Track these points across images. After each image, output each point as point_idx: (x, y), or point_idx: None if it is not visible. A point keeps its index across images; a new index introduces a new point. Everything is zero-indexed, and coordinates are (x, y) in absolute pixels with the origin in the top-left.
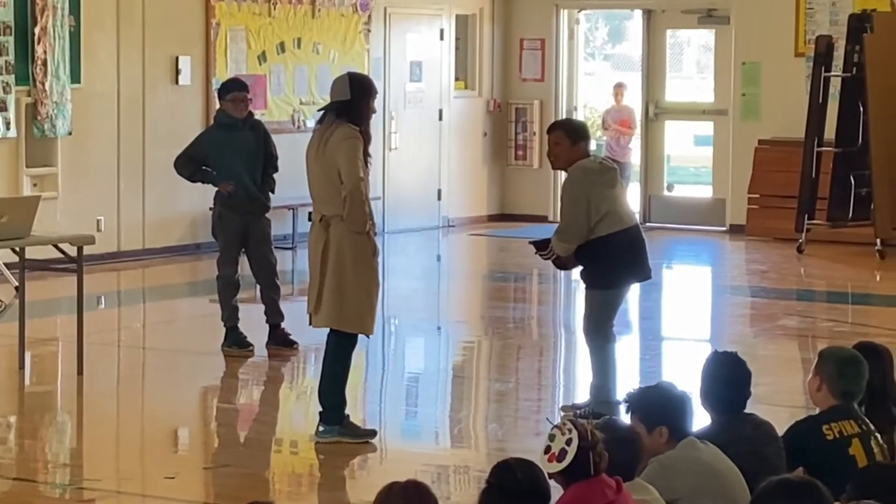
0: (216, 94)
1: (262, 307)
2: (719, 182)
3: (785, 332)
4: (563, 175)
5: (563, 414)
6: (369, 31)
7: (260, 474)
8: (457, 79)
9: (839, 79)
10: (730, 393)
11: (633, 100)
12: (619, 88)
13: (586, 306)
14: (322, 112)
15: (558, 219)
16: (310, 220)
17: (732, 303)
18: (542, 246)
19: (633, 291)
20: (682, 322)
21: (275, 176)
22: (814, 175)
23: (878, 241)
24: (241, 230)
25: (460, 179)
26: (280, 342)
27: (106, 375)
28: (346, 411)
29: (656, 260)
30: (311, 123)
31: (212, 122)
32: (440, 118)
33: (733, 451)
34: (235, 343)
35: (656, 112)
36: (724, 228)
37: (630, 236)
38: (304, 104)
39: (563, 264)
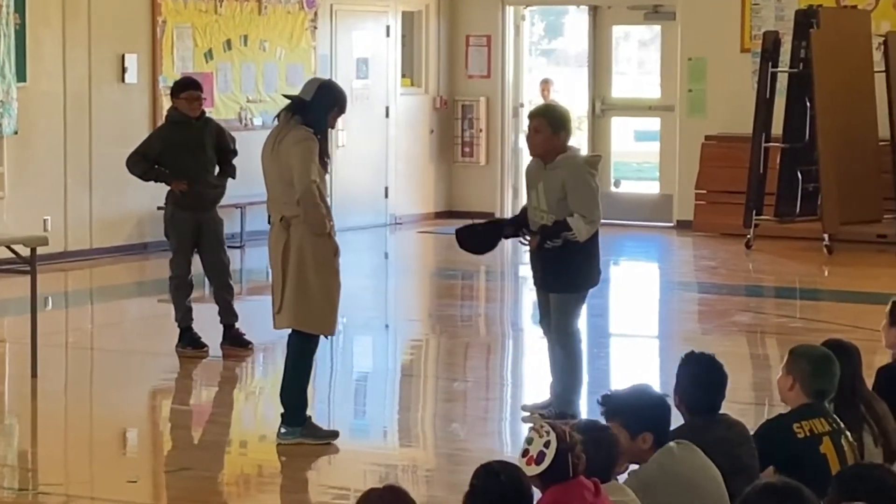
0: (169, 93)
1: (215, 307)
2: (666, 178)
3: (738, 328)
4: (505, 170)
5: (526, 415)
6: (315, 28)
7: (221, 477)
8: (403, 76)
9: (786, 74)
10: (705, 395)
11: (567, 96)
12: (545, 84)
13: (557, 309)
14: (281, 109)
15: (544, 207)
16: (269, 222)
17: (683, 299)
18: (552, 234)
19: None
20: (634, 319)
21: (235, 163)
22: (761, 171)
23: (826, 236)
24: (194, 229)
25: (407, 177)
26: (234, 342)
27: (57, 378)
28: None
29: (605, 257)
30: (258, 121)
31: (163, 120)
32: (387, 115)
33: (707, 452)
34: (190, 343)
35: (602, 109)
36: (672, 224)
37: (597, 237)
38: (252, 102)
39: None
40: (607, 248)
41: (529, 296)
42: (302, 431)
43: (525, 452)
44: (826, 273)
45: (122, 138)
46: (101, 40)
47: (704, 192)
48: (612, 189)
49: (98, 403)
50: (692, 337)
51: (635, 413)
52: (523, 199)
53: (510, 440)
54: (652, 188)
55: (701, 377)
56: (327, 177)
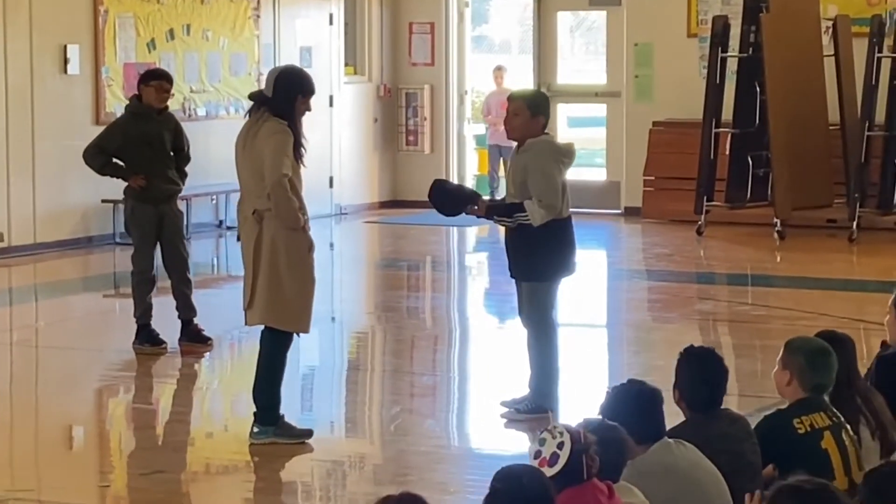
0: (137, 80)
1: (168, 300)
2: (613, 164)
3: (702, 316)
4: (450, 158)
5: (505, 410)
6: (258, 16)
7: (197, 479)
8: (346, 64)
9: (735, 59)
10: (705, 390)
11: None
12: (498, 72)
13: (527, 300)
14: (252, 103)
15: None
16: (238, 217)
17: (643, 287)
18: (501, 212)
19: None
20: (596, 309)
21: (186, 169)
22: (712, 156)
23: (778, 221)
24: (156, 222)
25: (352, 166)
26: (193, 338)
27: (2, 378)
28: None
29: None
30: (202, 112)
31: (106, 111)
32: (331, 104)
33: (709, 449)
34: (148, 340)
35: (549, 95)
36: (619, 211)
37: (570, 226)
38: (195, 92)
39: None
40: None
41: (476, 286)
42: (275, 431)
43: (537, 454)
44: (779, 259)
45: (65, 131)
46: (42, 31)
47: (653, 178)
48: None
49: (54, 404)
50: (657, 326)
51: (640, 421)
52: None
53: (456, 433)
54: (598, 175)
55: (701, 372)
56: (302, 169)
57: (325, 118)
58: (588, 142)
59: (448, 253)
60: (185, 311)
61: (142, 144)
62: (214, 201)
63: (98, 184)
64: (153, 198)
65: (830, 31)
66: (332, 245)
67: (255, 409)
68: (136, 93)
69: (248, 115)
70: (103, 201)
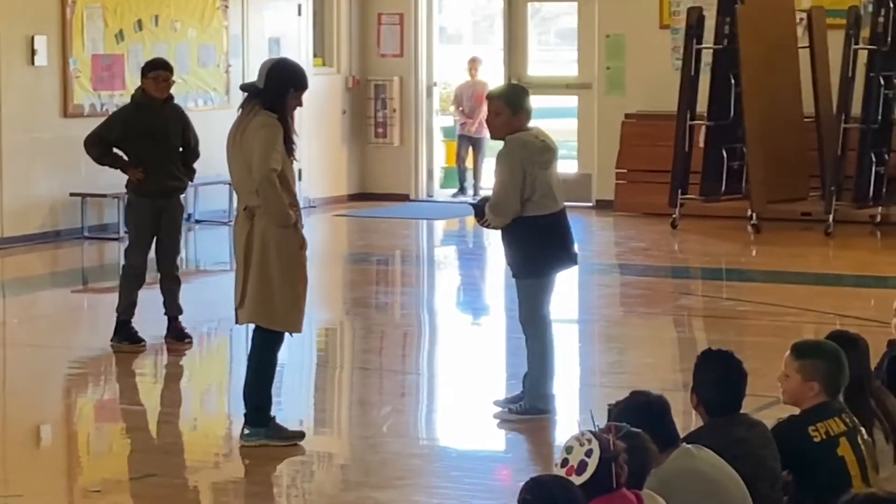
0: (140, 72)
1: (150, 295)
2: (585, 157)
3: (688, 311)
4: (419, 151)
5: (498, 410)
6: (227, 7)
7: (191, 484)
8: (315, 55)
9: (709, 51)
10: (724, 394)
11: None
12: (473, 63)
13: (519, 296)
14: (244, 95)
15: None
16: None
17: (624, 283)
18: (479, 212)
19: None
20: (576, 305)
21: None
22: (686, 149)
23: (754, 215)
24: (154, 218)
25: (320, 159)
26: (175, 336)
27: None
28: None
29: None
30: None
31: (73, 103)
32: None
33: (729, 454)
34: (127, 338)
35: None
36: (591, 204)
37: (558, 220)
38: None
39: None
40: None
41: (447, 280)
42: (266, 432)
43: (564, 462)
44: (755, 253)
45: (32, 123)
46: (9, 21)
47: (625, 171)
48: None
49: (31, 404)
50: (643, 323)
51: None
52: (437, 181)
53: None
54: (569, 167)
55: (720, 375)
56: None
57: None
58: (556, 133)
59: (418, 247)
60: (171, 308)
61: (143, 136)
62: (184, 195)
63: (66, 177)
64: (152, 192)
65: (805, 22)
66: None
67: (245, 410)
68: (141, 84)
69: (239, 109)
70: (72, 195)
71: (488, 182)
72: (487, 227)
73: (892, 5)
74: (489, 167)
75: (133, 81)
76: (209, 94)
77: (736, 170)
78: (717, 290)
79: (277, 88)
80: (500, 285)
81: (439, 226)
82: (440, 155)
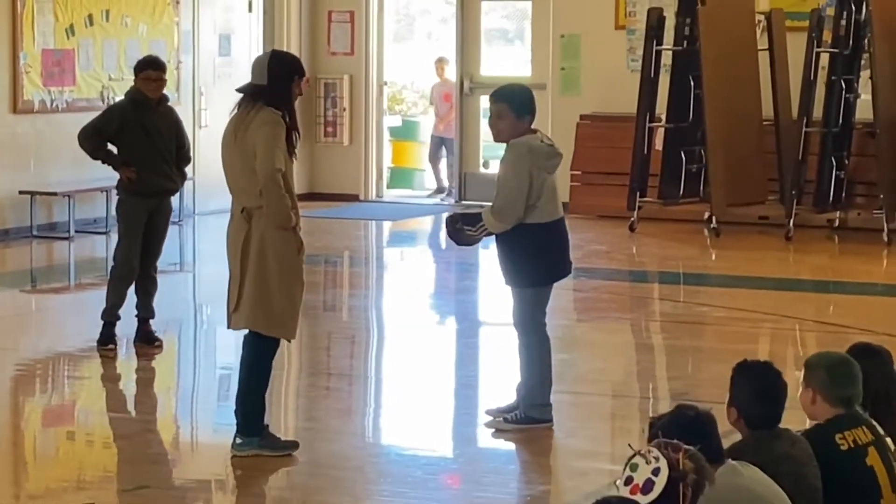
0: (132, 71)
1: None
2: None
3: (664, 317)
4: (369, 150)
5: (490, 419)
6: (178, 2)
7: (184, 495)
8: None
9: (667, 52)
10: (768, 406)
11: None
12: (440, 63)
13: (516, 304)
14: (240, 94)
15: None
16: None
17: (590, 287)
18: (471, 221)
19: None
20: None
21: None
22: (645, 151)
23: (714, 218)
24: (144, 217)
25: None
26: (145, 339)
27: None
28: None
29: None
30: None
31: (24, 98)
32: None
33: (771, 470)
34: (112, 341)
35: (471, 87)
36: None
37: (560, 228)
38: (114, 80)
39: (475, 242)
40: None
41: (393, 282)
42: (259, 442)
43: (629, 480)
44: (714, 257)
45: None
46: None
47: (580, 173)
48: (482, 170)
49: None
50: (620, 329)
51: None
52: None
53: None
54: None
55: (761, 387)
56: (295, 165)
57: None
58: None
59: (366, 248)
60: (144, 310)
61: (139, 133)
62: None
63: (15, 174)
64: (144, 191)
65: (764, 24)
66: None
67: (236, 419)
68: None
69: (236, 108)
70: (21, 192)
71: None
72: (474, 236)
73: (853, 8)
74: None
75: (83, 78)
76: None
77: (694, 173)
78: (689, 295)
79: (281, 78)
80: (452, 287)
81: (391, 227)
82: (388, 155)
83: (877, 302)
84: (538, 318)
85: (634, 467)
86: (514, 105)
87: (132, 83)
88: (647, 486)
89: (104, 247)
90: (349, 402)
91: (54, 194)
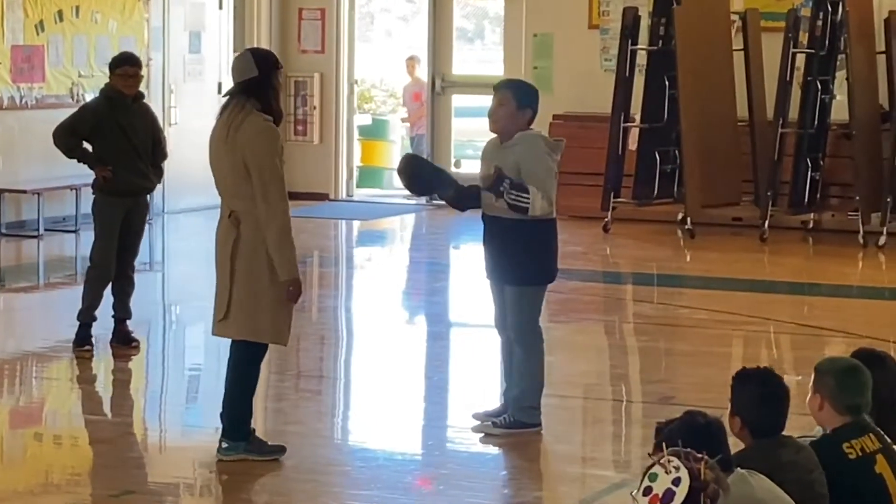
0: (108, 67)
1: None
2: None
3: (644, 320)
4: (339, 149)
5: (477, 423)
6: None
7: (169, 500)
8: (235, 50)
9: (641, 52)
10: (771, 414)
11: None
12: (411, 62)
13: (514, 305)
14: (226, 97)
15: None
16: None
17: (571, 288)
18: (517, 187)
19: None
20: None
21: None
22: (620, 152)
23: (689, 220)
24: (121, 216)
25: None
26: (122, 340)
27: None
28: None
29: (447, 241)
30: (90, 98)
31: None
32: (219, 91)
33: (777, 478)
34: (88, 342)
35: (443, 86)
36: None
37: (555, 228)
38: (84, 77)
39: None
40: (449, 233)
41: (362, 282)
42: (246, 447)
43: (647, 490)
44: (689, 258)
45: None
46: None
47: None
48: (454, 169)
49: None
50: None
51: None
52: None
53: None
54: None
55: (764, 395)
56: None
57: (214, 106)
58: (481, 133)
59: (335, 248)
60: (121, 310)
61: (115, 130)
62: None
63: None
64: (121, 190)
65: (740, 25)
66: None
67: (222, 423)
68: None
69: (224, 111)
70: None
71: None
72: (511, 202)
73: (829, 9)
74: None
75: (53, 74)
76: None
77: (669, 173)
78: (668, 298)
79: (268, 72)
80: (422, 288)
81: (361, 226)
82: (358, 154)
83: (857, 304)
84: (536, 318)
85: (653, 477)
86: (518, 95)
87: (104, 80)
88: (668, 497)
89: (73, 245)
90: (330, 406)
91: (23, 192)
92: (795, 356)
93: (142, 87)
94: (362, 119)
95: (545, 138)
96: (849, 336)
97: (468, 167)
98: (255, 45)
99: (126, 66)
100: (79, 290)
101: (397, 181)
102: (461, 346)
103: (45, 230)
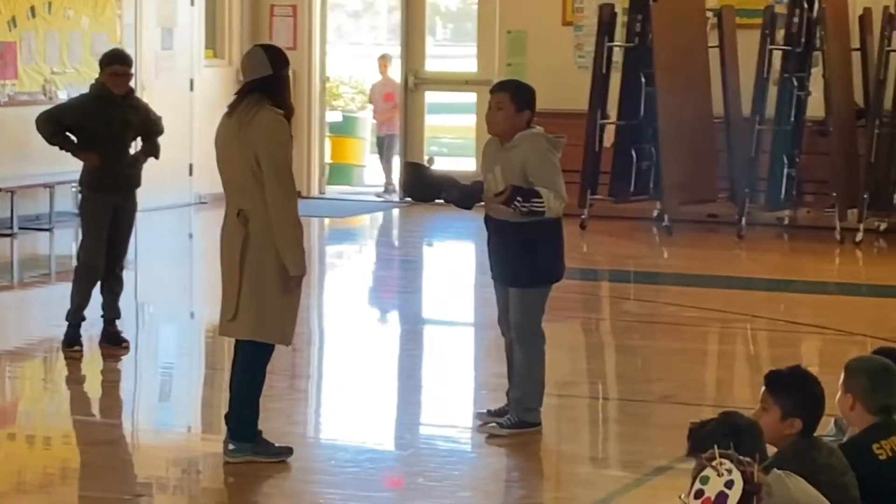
0: (98, 64)
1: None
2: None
3: (633, 317)
4: (312, 147)
5: (480, 423)
6: None
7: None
8: (206, 47)
9: (617, 49)
10: (818, 415)
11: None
12: (383, 60)
13: (518, 306)
14: (236, 96)
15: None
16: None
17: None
18: (525, 195)
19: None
20: None
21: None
22: (597, 149)
23: (666, 217)
24: (110, 213)
25: (211, 153)
26: (110, 340)
27: None
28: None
29: (422, 238)
30: (63, 95)
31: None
32: (191, 88)
33: (813, 481)
34: (77, 342)
35: (416, 83)
36: None
37: (561, 227)
38: (56, 74)
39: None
40: (424, 230)
41: (336, 280)
42: (253, 448)
43: (699, 493)
44: (666, 255)
45: None
46: None
47: None
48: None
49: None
50: (599, 330)
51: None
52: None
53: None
54: (467, 166)
55: (818, 395)
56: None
57: (186, 103)
58: (454, 131)
59: (307, 247)
60: (110, 310)
61: (102, 126)
62: (75, 189)
63: None
64: (108, 186)
65: (715, 21)
66: (190, 235)
67: (227, 425)
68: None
69: (235, 105)
70: None
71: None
72: (521, 209)
73: (805, 5)
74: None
75: (26, 71)
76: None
77: (645, 170)
78: (654, 295)
79: (281, 68)
80: (396, 284)
81: (333, 223)
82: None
83: (853, 301)
84: (539, 319)
85: (705, 480)
86: (515, 96)
87: (77, 77)
88: (720, 500)
89: (48, 244)
90: (329, 406)
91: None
92: (792, 353)
93: None
94: (333, 116)
95: (546, 136)
96: (841, 333)
97: (441, 164)
98: (226, 42)
99: (116, 65)
100: (53, 288)
101: (368, 178)
102: (438, 344)
103: (19, 228)
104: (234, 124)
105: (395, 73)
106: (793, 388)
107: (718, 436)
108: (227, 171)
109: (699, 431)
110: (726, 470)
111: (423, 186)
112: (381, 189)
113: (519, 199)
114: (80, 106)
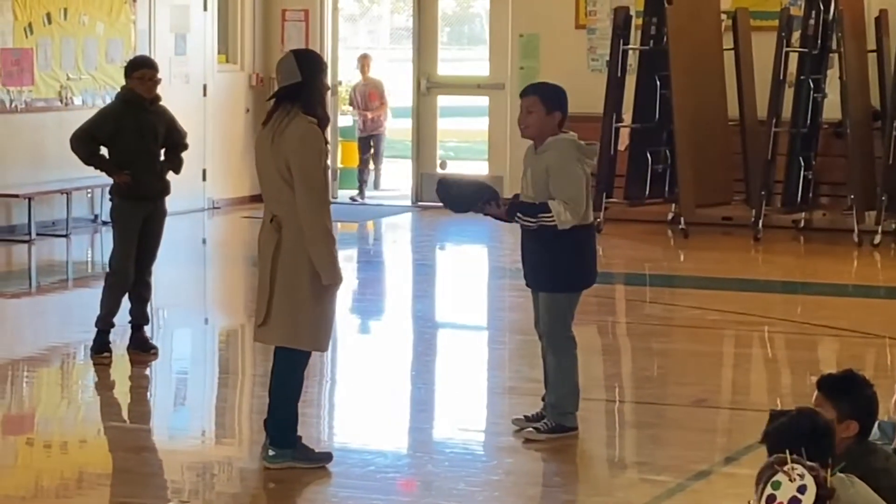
0: (123, 71)
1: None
2: (496, 158)
3: (657, 321)
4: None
5: (517, 429)
6: (135, 0)
7: None
8: (219, 52)
9: (631, 52)
10: (873, 418)
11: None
12: (364, 60)
13: (547, 311)
14: (272, 102)
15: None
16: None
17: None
18: (527, 210)
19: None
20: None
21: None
22: (612, 152)
23: (682, 219)
24: (141, 221)
25: (224, 158)
26: (138, 346)
27: None
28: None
29: (436, 241)
30: (78, 101)
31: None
32: (204, 94)
33: (871, 485)
34: (106, 349)
35: (428, 86)
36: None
37: (593, 232)
38: (72, 80)
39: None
40: (439, 233)
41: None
42: (293, 454)
43: (771, 498)
44: (682, 258)
45: None
46: None
47: None
48: (438, 171)
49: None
50: (625, 333)
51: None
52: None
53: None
54: (480, 168)
55: (873, 398)
56: None
57: (199, 108)
58: (467, 134)
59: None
60: (139, 316)
61: (134, 135)
62: (90, 195)
63: None
64: (140, 195)
65: (729, 24)
66: (203, 240)
67: (267, 431)
68: (126, 83)
69: (271, 114)
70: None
71: (389, 181)
72: (532, 224)
73: (822, 8)
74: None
75: (42, 78)
76: (117, 90)
77: (660, 173)
78: (677, 298)
79: (312, 75)
80: (407, 289)
81: (342, 228)
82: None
83: (877, 304)
84: (569, 324)
85: (777, 485)
86: (545, 99)
87: (93, 83)
88: None
89: (65, 250)
90: (372, 412)
91: (14, 196)
92: (821, 356)
93: None
94: (343, 120)
95: (577, 143)
96: (863, 336)
97: (453, 167)
98: (238, 47)
99: (144, 69)
100: (71, 294)
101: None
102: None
103: (37, 235)
104: (268, 133)
105: (375, 72)
106: (849, 391)
107: (796, 434)
108: (264, 178)
109: (779, 418)
110: (798, 475)
111: (461, 199)
112: (356, 192)
113: (520, 214)
114: (110, 114)
